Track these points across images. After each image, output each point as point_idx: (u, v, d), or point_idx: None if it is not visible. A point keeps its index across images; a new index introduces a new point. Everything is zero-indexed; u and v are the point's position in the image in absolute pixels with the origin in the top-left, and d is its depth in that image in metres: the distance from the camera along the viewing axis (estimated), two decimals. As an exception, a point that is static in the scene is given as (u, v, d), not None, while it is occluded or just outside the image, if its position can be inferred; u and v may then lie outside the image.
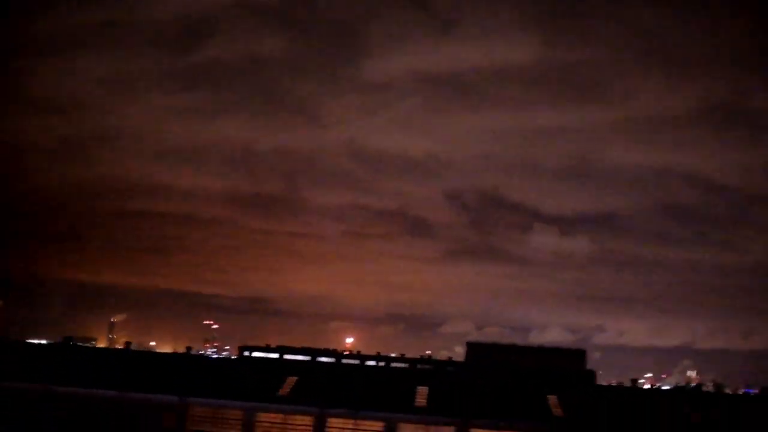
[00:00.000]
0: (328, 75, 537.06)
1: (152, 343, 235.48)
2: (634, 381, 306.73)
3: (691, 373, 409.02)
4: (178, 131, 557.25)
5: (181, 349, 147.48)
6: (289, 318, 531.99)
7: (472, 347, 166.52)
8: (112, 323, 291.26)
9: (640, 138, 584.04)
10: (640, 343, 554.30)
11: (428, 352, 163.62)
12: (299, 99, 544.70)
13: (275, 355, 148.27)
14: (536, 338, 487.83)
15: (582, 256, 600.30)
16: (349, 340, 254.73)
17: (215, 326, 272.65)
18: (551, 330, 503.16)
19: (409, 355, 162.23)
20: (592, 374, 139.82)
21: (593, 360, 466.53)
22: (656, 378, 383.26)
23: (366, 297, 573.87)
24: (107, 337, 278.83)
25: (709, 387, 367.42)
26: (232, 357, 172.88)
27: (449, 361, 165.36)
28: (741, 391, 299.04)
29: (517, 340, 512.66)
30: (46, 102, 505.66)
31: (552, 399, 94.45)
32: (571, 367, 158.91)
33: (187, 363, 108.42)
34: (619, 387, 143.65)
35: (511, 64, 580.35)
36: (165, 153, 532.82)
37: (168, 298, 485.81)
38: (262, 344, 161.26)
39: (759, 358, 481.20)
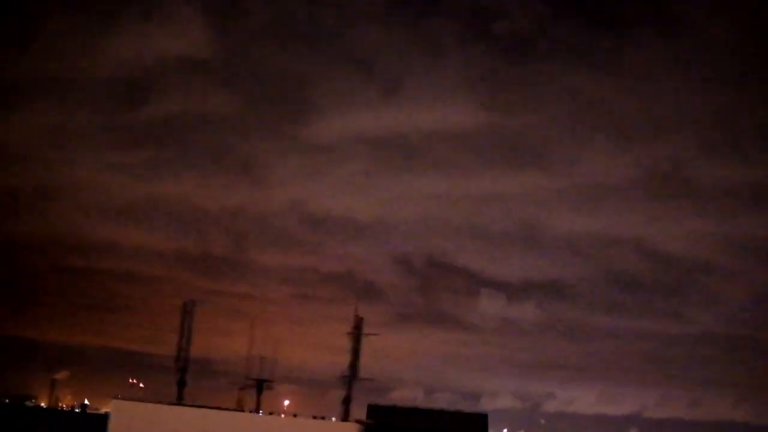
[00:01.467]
0: (271, 134, 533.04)
1: (86, 402, 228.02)
2: None
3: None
4: (123, 188, 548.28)
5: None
6: (237, 380, 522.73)
7: (373, 410, 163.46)
8: (54, 381, 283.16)
9: (585, 205, 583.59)
10: (590, 411, 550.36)
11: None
12: (244, 158, 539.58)
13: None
14: (487, 404, 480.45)
15: (530, 323, 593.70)
16: (287, 403, 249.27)
17: (141, 385, 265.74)
18: (502, 397, 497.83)
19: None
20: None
21: (539, 426, 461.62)
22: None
23: (316, 360, 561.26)
24: (50, 395, 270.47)
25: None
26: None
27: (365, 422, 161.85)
28: None
29: (468, 406, 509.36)
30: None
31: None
32: (475, 430, 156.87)
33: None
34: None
35: (454, 128, 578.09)
36: (109, 210, 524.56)
37: (112, 356, 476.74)
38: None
39: (704, 429, 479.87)
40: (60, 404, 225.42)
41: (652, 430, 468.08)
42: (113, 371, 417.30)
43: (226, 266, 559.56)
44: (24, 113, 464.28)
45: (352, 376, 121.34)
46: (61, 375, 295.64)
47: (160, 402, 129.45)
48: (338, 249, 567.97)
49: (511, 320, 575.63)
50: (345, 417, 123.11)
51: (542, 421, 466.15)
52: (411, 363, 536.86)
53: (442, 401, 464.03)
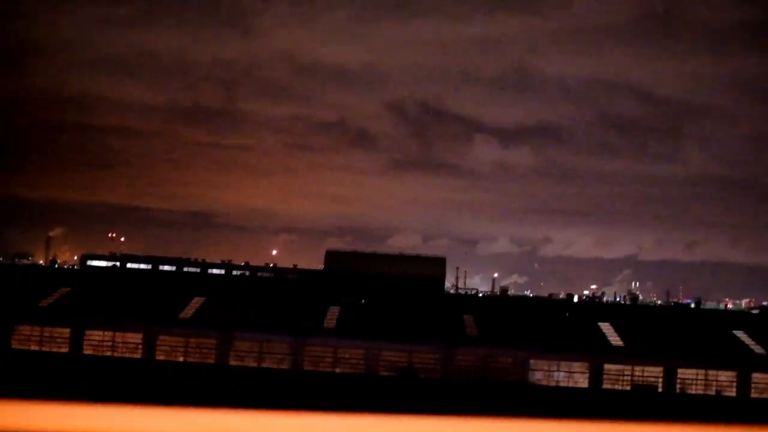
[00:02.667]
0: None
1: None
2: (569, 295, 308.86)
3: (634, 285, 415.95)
4: (111, 42, 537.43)
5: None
6: (235, 232, 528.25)
7: (331, 256, 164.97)
8: (49, 238, 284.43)
9: (578, 49, 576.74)
10: (587, 254, 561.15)
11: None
12: (232, 8, 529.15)
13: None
14: (483, 249, 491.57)
15: (524, 168, 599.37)
16: (274, 252, 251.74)
17: (122, 239, 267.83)
18: (499, 242, 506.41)
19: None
20: (440, 282, 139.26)
21: (534, 270, 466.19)
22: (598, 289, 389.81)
23: (312, 210, 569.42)
24: (46, 252, 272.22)
25: (653, 298, 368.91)
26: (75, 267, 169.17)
27: (307, 270, 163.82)
28: (675, 302, 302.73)
29: (466, 251, 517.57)
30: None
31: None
32: (432, 274, 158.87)
33: None
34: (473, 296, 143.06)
35: None
36: (99, 64, 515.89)
37: (108, 211, 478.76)
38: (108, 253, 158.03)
39: (701, 269, 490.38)
40: (57, 261, 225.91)
41: (647, 271, 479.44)
42: (110, 226, 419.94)
43: (218, 118, 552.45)
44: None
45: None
46: (56, 232, 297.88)
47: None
48: (330, 97, 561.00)
49: (505, 165, 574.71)
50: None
51: (536, 265, 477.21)
52: (408, 210, 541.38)
53: (440, 247, 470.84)
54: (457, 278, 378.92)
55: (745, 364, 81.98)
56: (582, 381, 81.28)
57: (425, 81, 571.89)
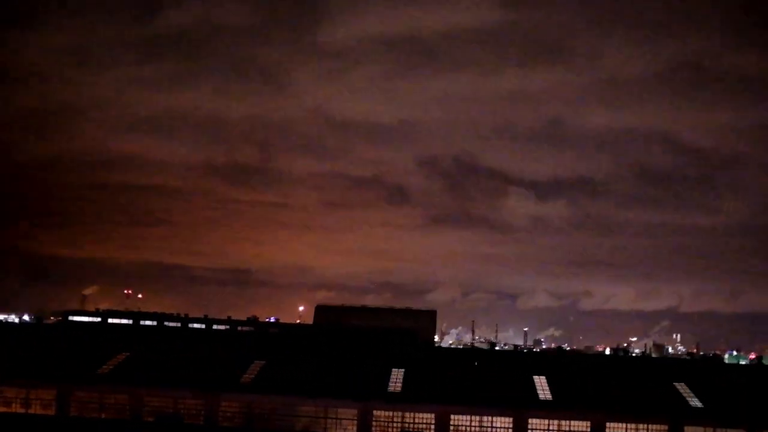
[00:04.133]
0: (290, 42, 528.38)
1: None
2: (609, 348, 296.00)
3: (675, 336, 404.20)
4: (145, 102, 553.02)
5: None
6: (274, 288, 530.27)
7: (321, 310, 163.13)
8: (84, 296, 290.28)
9: (610, 100, 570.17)
10: (626, 306, 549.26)
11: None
12: (264, 67, 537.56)
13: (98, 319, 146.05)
14: (523, 304, 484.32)
15: (560, 221, 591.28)
16: (301, 309, 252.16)
17: (140, 296, 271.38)
18: (538, 295, 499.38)
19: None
20: (414, 333, 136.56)
21: (568, 323, 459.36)
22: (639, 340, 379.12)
23: (351, 266, 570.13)
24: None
25: (690, 349, 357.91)
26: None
27: (295, 324, 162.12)
28: (714, 353, 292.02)
29: (506, 305, 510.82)
30: (4, 73, 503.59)
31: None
32: (423, 328, 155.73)
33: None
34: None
35: (473, 26, 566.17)
36: (135, 124, 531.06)
37: (148, 269, 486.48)
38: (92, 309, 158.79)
39: (743, 320, 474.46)
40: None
41: (686, 322, 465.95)
42: (150, 284, 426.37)
43: (255, 175, 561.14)
44: (42, 32, 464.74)
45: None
46: (90, 290, 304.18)
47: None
48: (364, 153, 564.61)
49: (541, 218, 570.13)
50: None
51: (571, 318, 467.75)
52: (446, 264, 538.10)
53: (480, 301, 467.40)
54: (497, 332, 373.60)
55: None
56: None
57: (458, 135, 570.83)
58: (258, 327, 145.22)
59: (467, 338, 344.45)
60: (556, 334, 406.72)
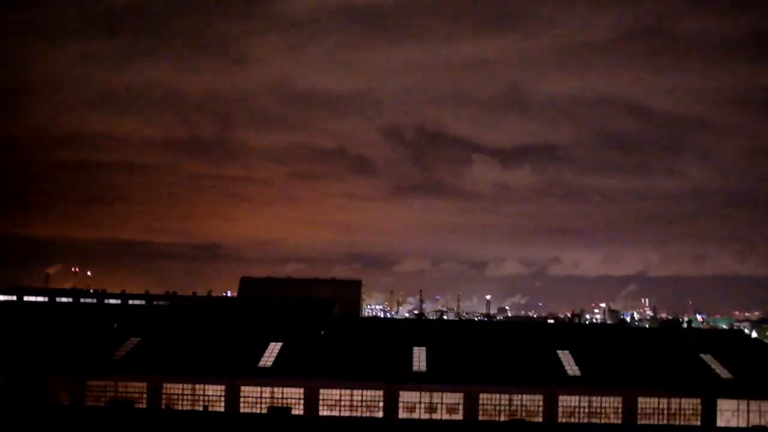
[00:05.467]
0: (246, 14, 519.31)
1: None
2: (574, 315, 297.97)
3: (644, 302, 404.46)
4: (102, 78, 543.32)
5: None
6: (243, 264, 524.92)
7: (246, 282, 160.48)
8: (48, 275, 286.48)
9: (569, 66, 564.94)
10: (595, 272, 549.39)
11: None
12: (221, 39, 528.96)
13: None
14: (492, 272, 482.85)
15: (525, 188, 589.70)
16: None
17: (89, 273, 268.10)
18: (508, 263, 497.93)
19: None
20: (331, 303, 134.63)
21: (535, 290, 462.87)
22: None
23: (319, 238, 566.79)
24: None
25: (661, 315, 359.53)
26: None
27: (222, 297, 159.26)
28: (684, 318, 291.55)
29: (475, 274, 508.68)
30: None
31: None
32: (347, 297, 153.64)
33: None
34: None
35: None
36: (92, 101, 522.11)
37: (112, 247, 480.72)
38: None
39: (710, 283, 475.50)
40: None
41: (654, 287, 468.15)
42: (116, 262, 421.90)
43: (216, 149, 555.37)
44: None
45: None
46: (54, 269, 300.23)
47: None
48: (326, 124, 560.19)
49: (506, 185, 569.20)
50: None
51: (537, 284, 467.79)
52: (414, 234, 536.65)
53: (449, 271, 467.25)
54: (458, 301, 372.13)
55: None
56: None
57: (420, 104, 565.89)
58: (173, 301, 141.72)
59: (427, 307, 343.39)
60: (522, 301, 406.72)
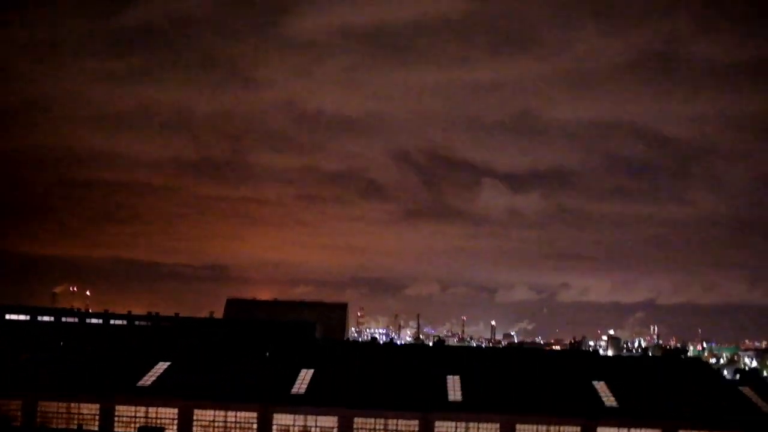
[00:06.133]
0: (255, 33, 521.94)
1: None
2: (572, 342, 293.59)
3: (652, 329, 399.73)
4: (112, 97, 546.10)
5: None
6: (253, 285, 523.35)
7: (231, 304, 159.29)
8: (54, 294, 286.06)
9: (580, 91, 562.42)
10: (604, 299, 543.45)
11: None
12: (231, 60, 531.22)
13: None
14: (502, 297, 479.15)
15: (535, 213, 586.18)
16: None
17: (87, 293, 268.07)
18: (517, 289, 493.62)
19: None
20: (312, 326, 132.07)
21: (542, 316, 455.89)
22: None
23: (328, 261, 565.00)
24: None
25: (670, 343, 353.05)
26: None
27: (205, 319, 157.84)
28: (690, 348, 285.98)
29: (484, 299, 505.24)
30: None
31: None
32: (333, 321, 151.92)
33: None
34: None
35: (440, 17, 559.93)
36: (101, 119, 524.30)
37: (120, 267, 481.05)
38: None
39: (721, 312, 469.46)
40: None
41: (663, 315, 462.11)
42: (124, 281, 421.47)
43: (226, 170, 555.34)
44: (6, 26, 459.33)
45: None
46: (60, 288, 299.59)
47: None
48: (336, 147, 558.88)
49: (516, 210, 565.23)
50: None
51: (544, 310, 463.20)
52: (423, 258, 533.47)
53: (458, 295, 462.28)
54: (463, 327, 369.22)
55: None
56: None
57: (430, 128, 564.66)
58: (154, 321, 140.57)
59: (430, 332, 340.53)
60: (529, 327, 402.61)
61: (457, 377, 74.39)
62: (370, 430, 67.42)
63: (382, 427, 67.01)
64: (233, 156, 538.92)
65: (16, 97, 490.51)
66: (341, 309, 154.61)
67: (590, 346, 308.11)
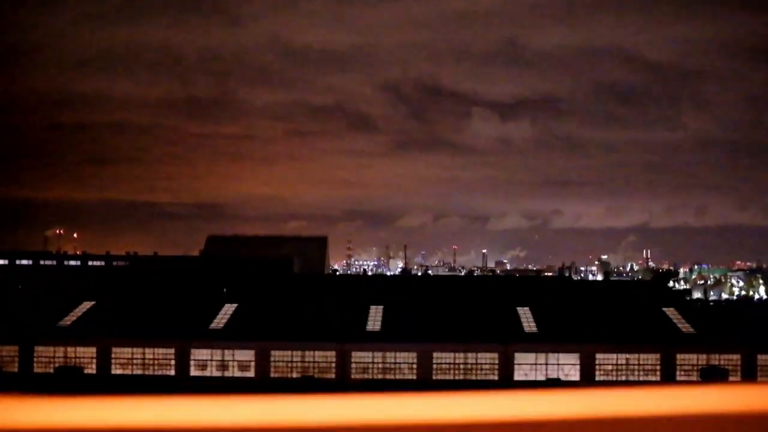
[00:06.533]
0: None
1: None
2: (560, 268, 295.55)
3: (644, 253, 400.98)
4: (96, 38, 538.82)
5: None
6: (244, 222, 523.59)
7: (211, 240, 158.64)
8: (46, 238, 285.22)
9: (565, 17, 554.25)
10: (598, 225, 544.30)
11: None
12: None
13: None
14: (494, 225, 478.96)
15: (526, 141, 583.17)
16: None
17: (74, 235, 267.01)
18: (510, 217, 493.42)
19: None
20: (290, 261, 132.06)
21: (534, 243, 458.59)
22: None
23: (320, 195, 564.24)
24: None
25: (663, 265, 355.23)
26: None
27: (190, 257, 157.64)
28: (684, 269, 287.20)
29: (477, 228, 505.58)
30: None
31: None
32: (315, 253, 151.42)
33: None
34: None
35: None
36: (87, 61, 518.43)
37: (113, 208, 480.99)
38: None
39: (713, 234, 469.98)
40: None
41: (655, 238, 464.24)
42: (118, 222, 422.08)
43: (214, 108, 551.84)
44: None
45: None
46: (52, 232, 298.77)
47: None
48: (323, 81, 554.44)
49: (507, 139, 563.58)
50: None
51: (536, 237, 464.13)
52: (415, 189, 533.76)
53: (451, 225, 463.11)
54: (454, 256, 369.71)
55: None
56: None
57: (417, 59, 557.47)
58: (132, 261, 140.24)
59: (422, 262, 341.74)
60: (521, 254, 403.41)
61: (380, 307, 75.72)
62: (286, 361, 69.27)
63: (299, 358, 69.34)
64: (221, 94, 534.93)
65: (0, 41, 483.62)
66: (321, 242, 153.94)
67: (581, 271, 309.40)
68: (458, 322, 73.46)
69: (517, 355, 70.05)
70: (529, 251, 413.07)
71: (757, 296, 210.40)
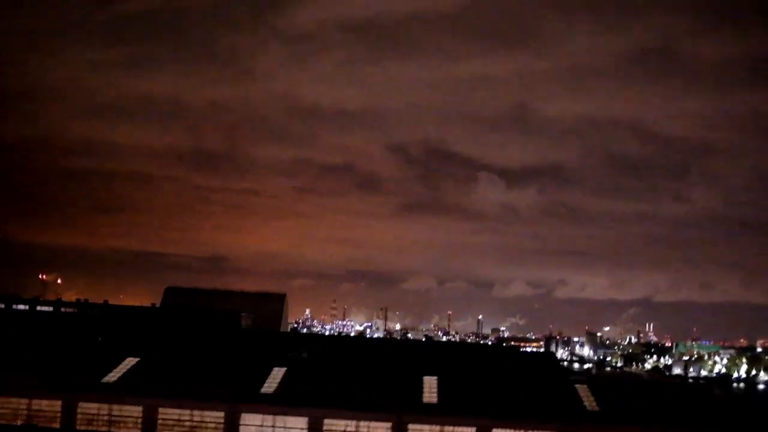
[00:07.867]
0: (252, 25, 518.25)
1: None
2: (548, 338, 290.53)
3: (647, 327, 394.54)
4: (108, 86, 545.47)
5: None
6: (251, 276, 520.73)
7: (170, 292, 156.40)
8: (44, 283, 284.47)
9: (576, 86, 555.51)
10: (602, 296, 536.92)
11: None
12: (227, 51, 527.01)
13: None
14: (499, 292, 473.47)
15: (531, 209, 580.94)
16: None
17: (59, 281, 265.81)
18: (515, 284, 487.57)
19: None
20: (237, 315, 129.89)
21: (535, 311, 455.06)
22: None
23: (326, 254, 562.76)
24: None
25: (664, 340, 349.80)
26: None
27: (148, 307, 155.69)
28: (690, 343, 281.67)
29: (481, 294, 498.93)
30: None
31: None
32: (272, 310, 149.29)
33: None
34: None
35: (436, 11, 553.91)
36: (98, 109, 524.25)
37: (116, 256, 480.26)
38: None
39: (718, 310, 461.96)
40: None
41: (658, 312, 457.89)
42: (119, 271, 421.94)
43: (222, 161, 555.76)
44: (2, 15, 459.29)
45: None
46: (50, 276, 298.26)
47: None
48: (332, 140, 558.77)
49: (512, 206, 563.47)
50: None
51: (536, 306, 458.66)
52: (420, 252, 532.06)
53: (455, 290, 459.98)
54: (449, 321, 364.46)
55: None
56: None
57: (427, 122, 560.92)
58: (80, 309, 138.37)
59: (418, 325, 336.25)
60: (521, 322, 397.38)
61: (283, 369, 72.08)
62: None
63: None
64: (229, 148, 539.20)
65: (12, 85, 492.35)
66: (279, 299, 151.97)
67: (574, 342, 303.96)
68: (354, 388, 70.07)
69: (410, 426, 66.37)
70: (529, 319, 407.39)
71: (736, 374, 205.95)
